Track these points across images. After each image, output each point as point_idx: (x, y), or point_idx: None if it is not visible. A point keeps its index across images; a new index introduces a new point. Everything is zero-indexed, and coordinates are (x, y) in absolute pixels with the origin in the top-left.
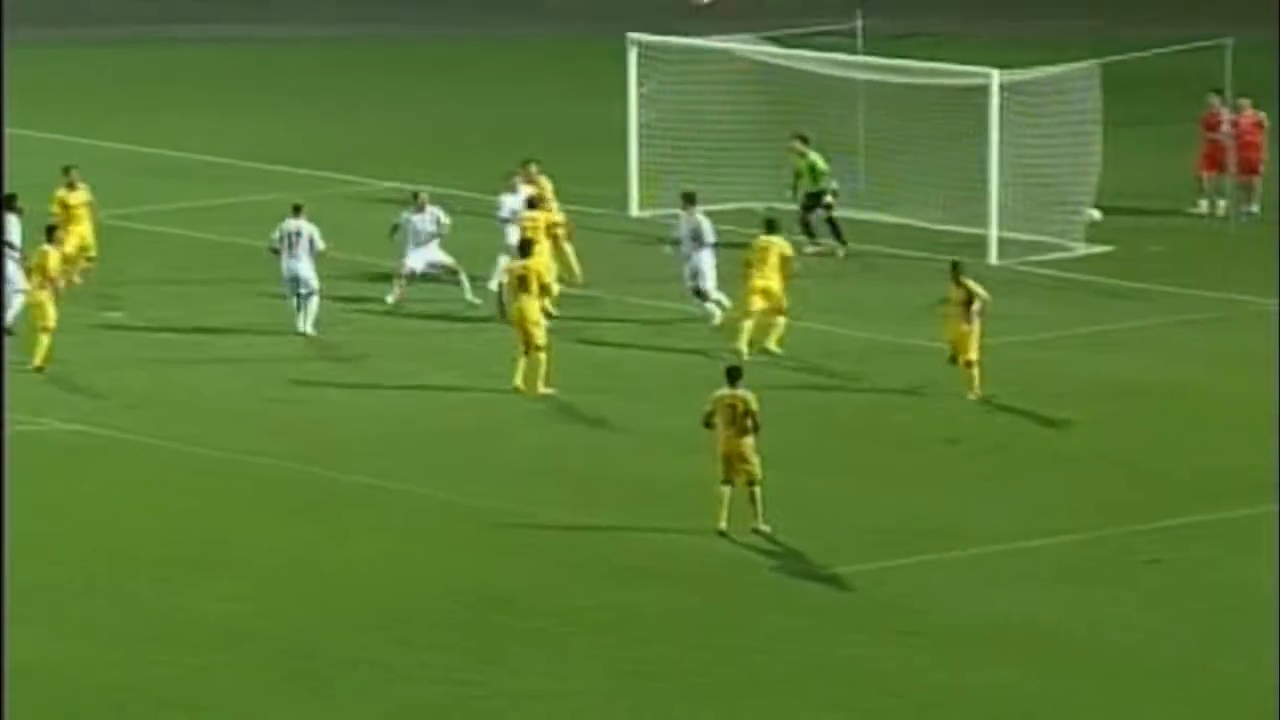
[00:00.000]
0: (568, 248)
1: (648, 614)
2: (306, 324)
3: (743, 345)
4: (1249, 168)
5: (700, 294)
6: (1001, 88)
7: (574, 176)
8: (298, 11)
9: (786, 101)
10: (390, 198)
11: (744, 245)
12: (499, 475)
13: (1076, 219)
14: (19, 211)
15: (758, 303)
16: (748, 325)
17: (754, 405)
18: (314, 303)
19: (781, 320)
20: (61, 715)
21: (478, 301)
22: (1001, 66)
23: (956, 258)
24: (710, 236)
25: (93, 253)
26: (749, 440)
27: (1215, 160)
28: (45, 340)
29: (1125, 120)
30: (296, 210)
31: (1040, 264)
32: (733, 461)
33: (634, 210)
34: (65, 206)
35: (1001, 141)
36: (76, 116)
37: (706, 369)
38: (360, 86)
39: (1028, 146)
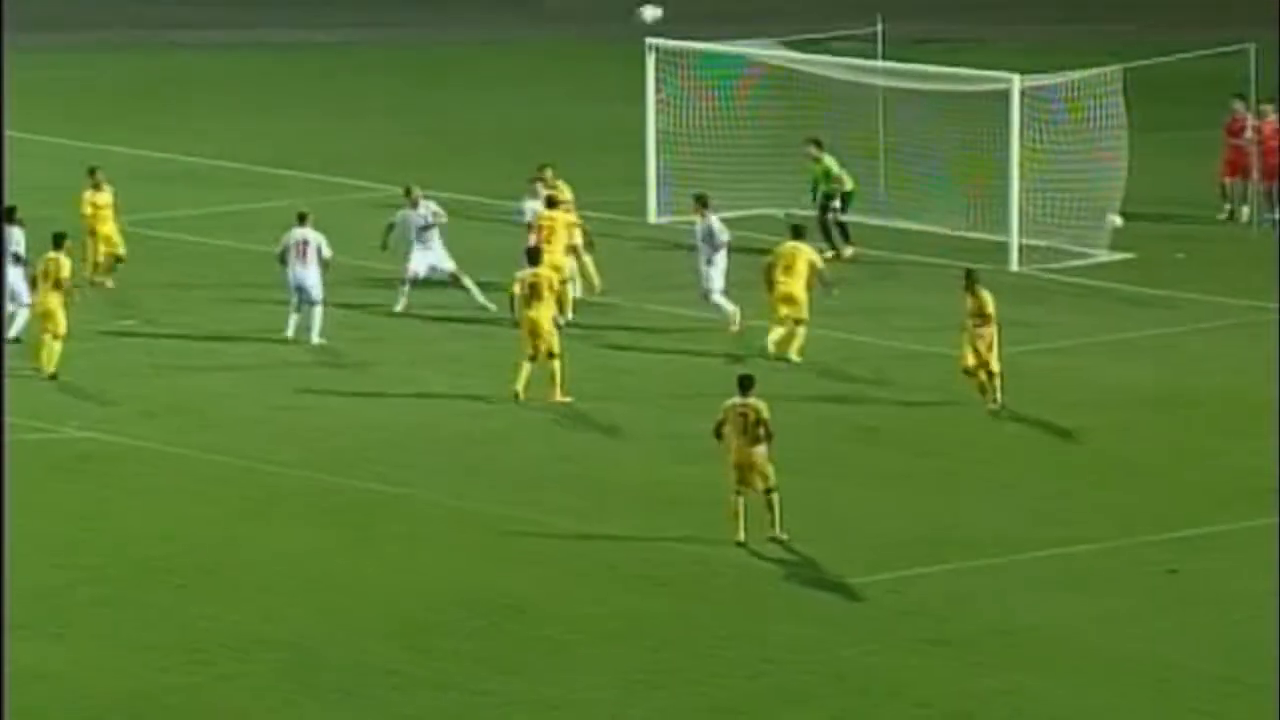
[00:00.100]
0: (588, 258)
1: (659, 622)
2: (312, 333)
3: (771, 347)
4: (1272, 174)
5: (709, 294)
6: (1023, 93)
7: (587, 180)
8: (302, 16)
9: (806, 107)
10: (398, 204)
11: (763, 251)
12: (510, 482)
13: (1099, 226)
14: (20, 223)
15: (783, 309)
16: (779, 331)
17: (765, 414)
18: (319, 311)
19: (802, 330)
20: None
21: (492, 307)
22: (1023, 72)
23: (970, 266)
24: (722, 236)
25: (121, 251)
26: (761, 449)
27: (1238, 166)
28: (57, 347)
29: (1148, 125)
30: (302, 219)
31: (1062, 271)
32: (744, 471)
33: (652, 217)
34: (95, 207)
35: (1023, 147)
36: (80, 121)
37: (721, 375)
38: (367, 90)
39: (1049, 152)
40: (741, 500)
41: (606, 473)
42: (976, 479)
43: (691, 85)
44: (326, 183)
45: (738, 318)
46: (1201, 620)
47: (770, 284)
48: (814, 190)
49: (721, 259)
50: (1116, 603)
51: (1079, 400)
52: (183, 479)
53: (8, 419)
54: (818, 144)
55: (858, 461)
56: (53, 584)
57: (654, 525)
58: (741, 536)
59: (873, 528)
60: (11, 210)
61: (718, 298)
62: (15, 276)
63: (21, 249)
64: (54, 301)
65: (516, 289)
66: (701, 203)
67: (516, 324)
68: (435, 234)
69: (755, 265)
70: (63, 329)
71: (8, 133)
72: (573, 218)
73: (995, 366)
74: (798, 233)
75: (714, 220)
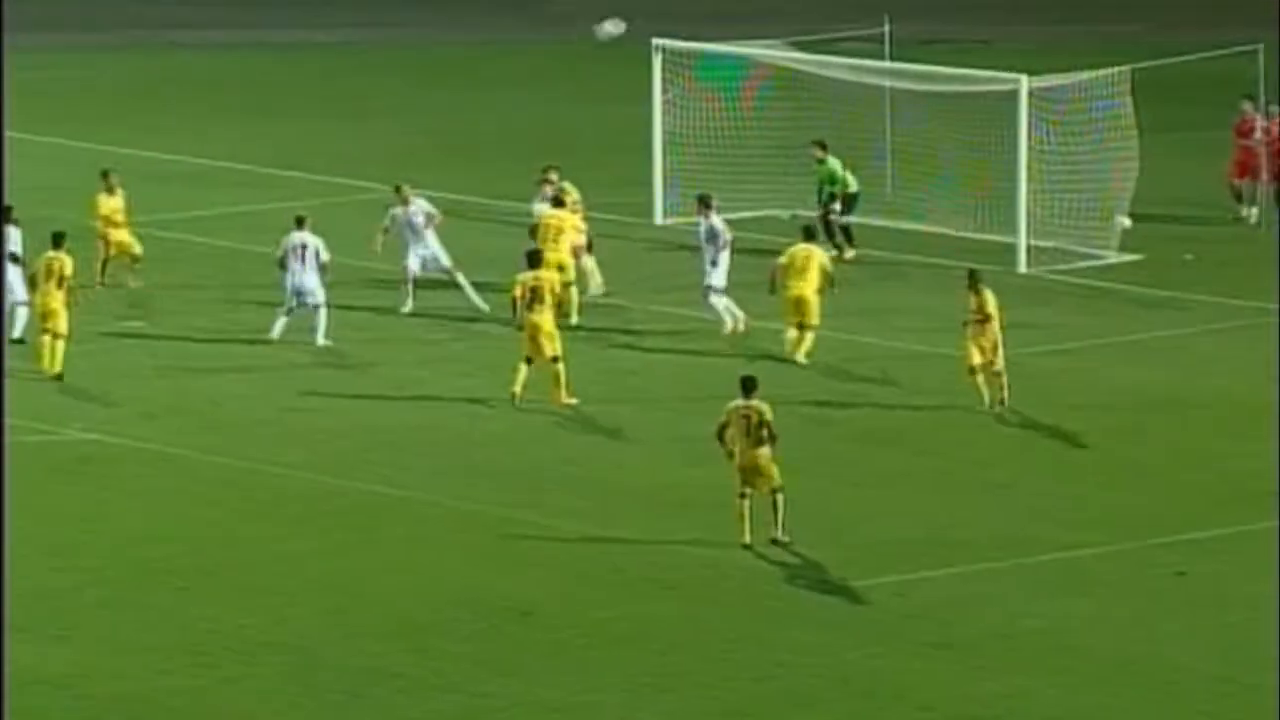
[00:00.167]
0: (589, 259)
1: (666, 626)
2: (318, 335)
3: (789, 349)
4: None
5: (709, 292)
6: (1031, 94)
7: (589, 182)
8: (302, 16)
9: (812, 108)
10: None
11: (769, 252)
12: (515, 484)
13: (1107, 227)
14: (15, 222)
15: (793, 313)
16: (793, 334)
17: (769, 416)
18: (323, 313)
19: (810, 335)
20: None
21: (486, 307)
22: (1031, 72)
23: (973, 266)
24: (725, 236)
25: (137, 250)
26: (765, 451)
27: (1248, 167)
28: (60, 346)
29: (1156, 126)
30: (300, 222)
31: (1070, 272)
32: (749, 474)
33: (658, 218)
34: (108, 211)
35: (1031, 148)
36: (80, 121)
37: (729, 376)
38: (368, 91)
39: (1057, 153)
40: (747, 503)
41: (613, 475)
42: (980, 481)
43: (697, 86)
44: (328, 184)
45: (731, 322)
46: (1208, 623)
47: (778, 286)
48: (819, 192)
49: (724, 260)
50: (1121, 606)
51: (1086, 402)
52: (185, 481)
53: (9, 420)
54: (822, 146)
55: (861, 463)
56: (54, 586)
57: (661, 528)
58: (748, 539)
59: (877, 531)
60: (8, 210)
61: (714, 299)
62: (12, 275)
63: (18, 248)
64: (56, 300)
65: (518, 292)
66: (704, 203)
67: (519, 327)
68: (429, 231)
69: (760, 266)
70: (64, 328)
71: (7, 133)
72: (577, 219)
73: (1000, 366)
74: (809, 234)
75: (716, 220)
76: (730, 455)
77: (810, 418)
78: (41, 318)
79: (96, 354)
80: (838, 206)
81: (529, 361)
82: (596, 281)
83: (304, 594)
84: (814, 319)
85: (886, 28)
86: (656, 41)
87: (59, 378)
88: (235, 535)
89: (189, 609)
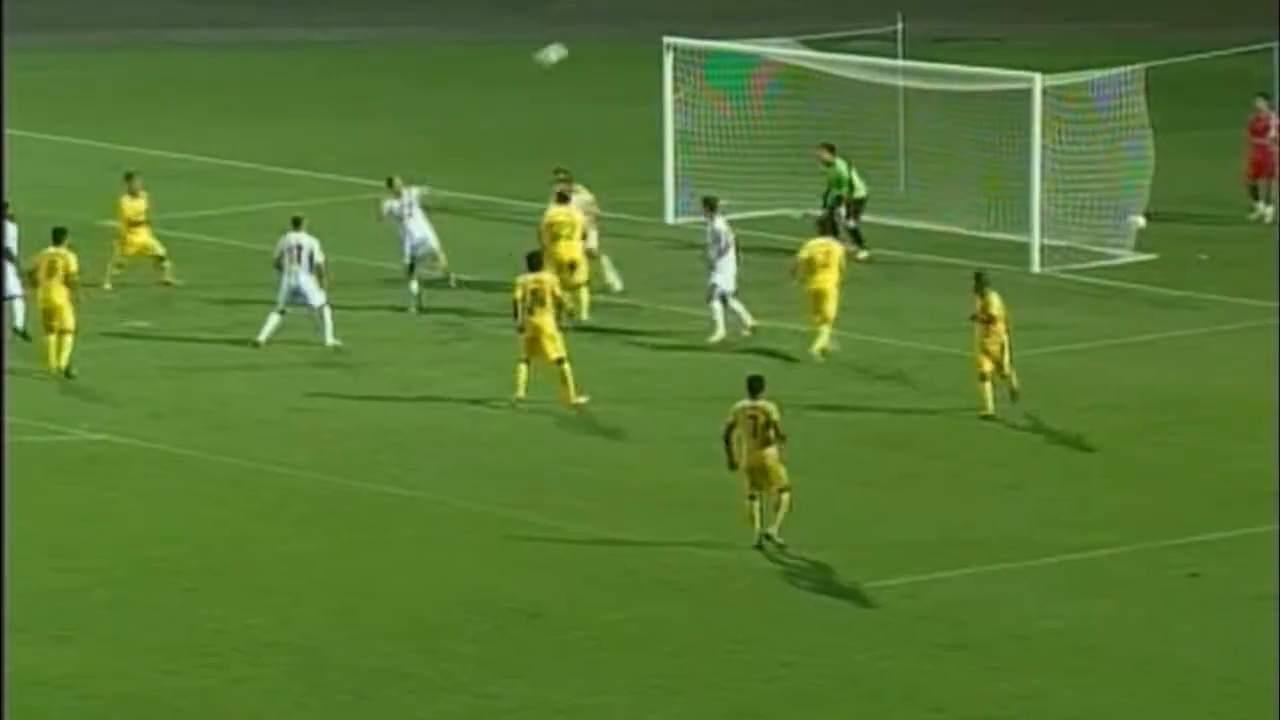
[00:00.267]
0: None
1: (675, 628)
2: (325, 335)
3: (816, 350)
4: None
5: (714, 297)
6: (1044, 92)
7: (593, 182)
8: (302, 15)
9: (824, 106)
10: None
11: (780, 251)
12: (523, 485)
13: (1121, 226)
14: (11, 219)
15: (815, 306)
16: (824, 330)
17: (775, 416)
18: (326, 314)
19: (826, 329)
20: None
21: (454, 287)
22: (1044, 70)
23: (979, 269)
24: (726, 240)
25: (160, 251)
26: (772, 451)
27: (1263, 166)
28: (68, 341)
29: (1171, 125)
30: (296, 223)
31: (1084, 271)
32: (757, 474)
33: (669, 217)
34: (131, 213)
35: (1044, 147)
36: (79, 121)
37: (736, 377)
38: (369, 90)
39: (1071, 152)
40: (756, 504)
41: (620, 475)
42: (992, 482)
43: (708, 85)
44: (336, 183)
45: (722, 331)
46: (1222, 624)
47: (799, 281)
48: (826, 195)
49: (725, 263)
50: (1137, 607)
51: (1097, 403)
52: (191, 481)
53: (11, 420)
54: (830, 149)
55: (870, 463)
56: (61, 586)
57: (669, 529)
58: (758, 541)
59: (888, 532)
60: (4, 206)
61: (715, 302)
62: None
63: (13, 244)
64: (61, 297)
65: (518, 295)
66: (709, 205)
67: (519, 329)
68: (420, 215)
69: (771, 266)
70: (71, 323)
71: (8, 131)
72: (580, 216)
73: (1009, 370)
74: (824, 228)
75: (719, 223)
76: (732, 466)
77: (820, 419)
78: (46, 315)
79: (103, 354)
80: (844, 211)
81: (526, 363)
82: (611, 278)
83: (311, 594)
84: (833, 312)
85: (900, 26)
86: (667, 40)
87: (68, 374)
88: (242, 535)
89: (196, 609)
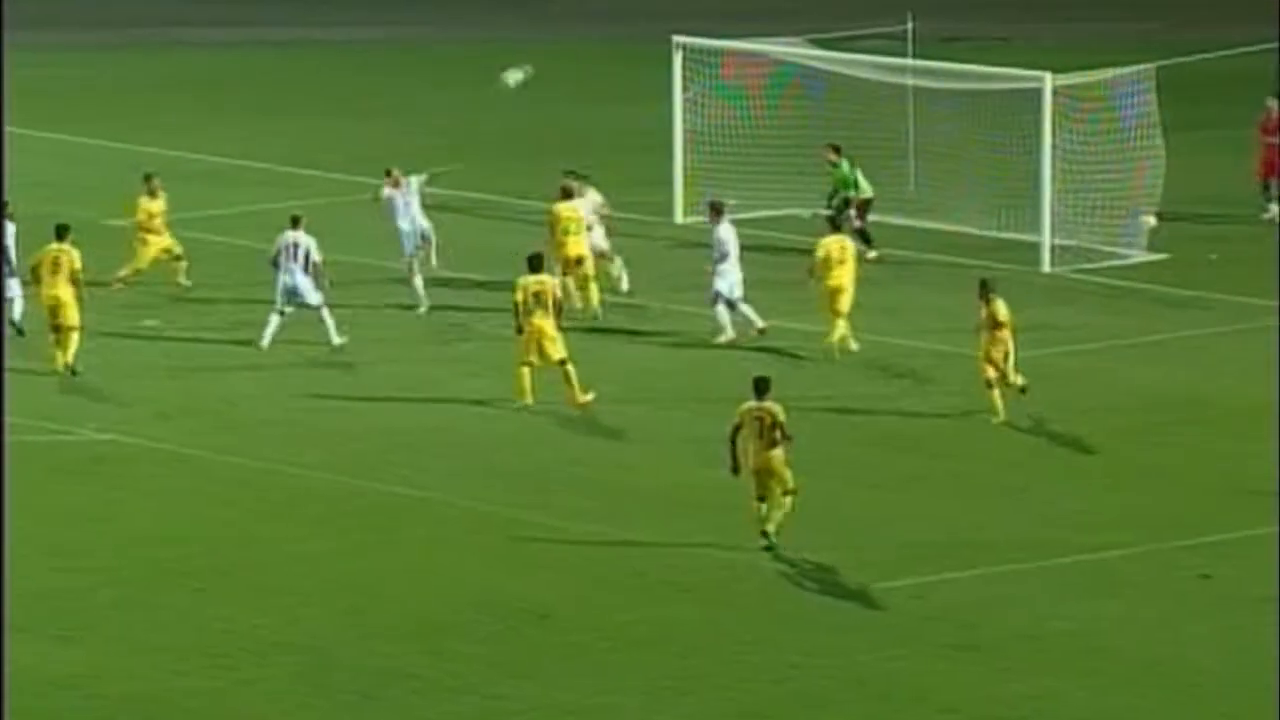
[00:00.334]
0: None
1: (683, 629)
2: (330, 335)
3: (835, 341)
4: None
5: (717, 301)
6: (1055, 91)
7: (599, 182)
8: (303, 14)
9: (833, 105)
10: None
11: (790, 250)
12: (531, 486)
13: (1132, 225)
14: (10, 217)
15: (834, 302)
16: (841, 323)
17: (781, 417)
18: (327, 314)
19: (842, 323)
20: None
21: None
22: (1054, 70)
23: (984, 276)
24: (726, 246)
25: (178, 250)
26: (778, 453)
27: (1274, 165)
28: (73, 337)
29: (1181, 124)
30: (295, 222)
31: (1094, 271)
32: (763, 476)
33: (679, 217)
34: (149, 215)
35: (1054, 146)
36: (80, 120)
37: (743, 377)
38: (372, 90)
39: (1081, 151)
40: (764, 506)
41: (626, 476)
42: (1001, 484)
43: (717, 84)
44: (334, 182)
45: (730, 333)
46: (1233, 625)
47: (817, 279)
48: (831, 196)
49: (726, 269)
50: (1149, 608)
51: (1106, 403)
52: (199, 481)
53: (17, 420)
54: (836, 150)
55: (878, 465)
56: (67, 586)
57: (677, 530)
58: (765, 542)
59: (896, 533)
60: (3, 205)
61: (719, 306)
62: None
63: (11, 243)
64: (66, 294)
65: (519, 297)
66: (715, 209)
67: (519, 330)
68: (416, 200)
69: (781, 265)
70: (76, 320)
71: (8, 129)
72: (580, 213)
73: (1012, 377)
74: (835, 225)
75: (722, 228)
76: (735, 471)
77: (827, 420)
78: (50, 312)
79: (110, 353)
80: (852, 212)
81: (527, 364)
82: (617, 276)
83: (319, 594)
84: (848, 308)
85: (909, 25)
86: (676, 39)
87: (73, 371)
88: (250, 536)
89: (203, 609)
